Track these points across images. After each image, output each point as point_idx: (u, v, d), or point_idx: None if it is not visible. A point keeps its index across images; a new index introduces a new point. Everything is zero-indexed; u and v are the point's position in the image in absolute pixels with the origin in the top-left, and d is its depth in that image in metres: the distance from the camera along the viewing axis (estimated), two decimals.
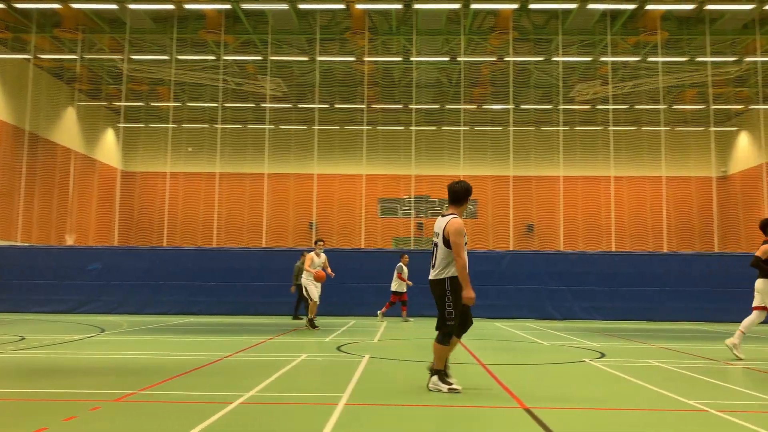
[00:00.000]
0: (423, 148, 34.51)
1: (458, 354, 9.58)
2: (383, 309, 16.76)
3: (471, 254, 19.11)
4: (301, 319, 16.60)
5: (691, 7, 22.14)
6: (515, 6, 22.37)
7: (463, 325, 6.33)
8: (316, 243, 14.02)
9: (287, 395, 5.98)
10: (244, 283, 18.77)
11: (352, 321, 16.37)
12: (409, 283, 16.68)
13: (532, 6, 22.49)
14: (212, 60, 27.74)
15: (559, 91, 30.65)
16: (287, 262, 18.94)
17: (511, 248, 29.99)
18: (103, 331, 12.83)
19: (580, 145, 35.58)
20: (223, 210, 34.37)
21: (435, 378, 6.19)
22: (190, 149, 36.20)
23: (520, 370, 8.07)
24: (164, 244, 30.29)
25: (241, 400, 5.62)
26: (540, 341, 11.77)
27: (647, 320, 17.99)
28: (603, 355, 9.41)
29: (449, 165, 34.89)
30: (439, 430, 4.80)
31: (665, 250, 29.96)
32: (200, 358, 8.61)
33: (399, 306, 16.89)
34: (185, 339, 11.61)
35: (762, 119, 32.19)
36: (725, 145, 36.74)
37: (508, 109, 30.65)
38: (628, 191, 35.73)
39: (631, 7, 22.49)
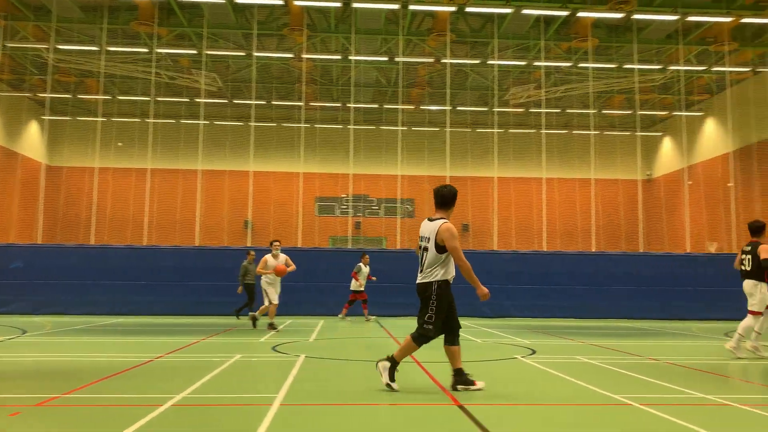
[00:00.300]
0: (361, 147, 34.54)
1: (391, 351, 9.63)
2: (344, 310, 16.73)
3: (406, 253, 19.30)
4: (240, 319, 16.32)
5: (619, 15, 23.00)
6: (453, 9, 22.68)
7: (453, 329, 6.31)
8: (271, 244, 13.46)
9: (220, 396, 5.87)
10: (177, 283, 18.30)
11: (288, 320, 16.22)
12: (373, 278, 16.84)
13: (469, 9, 22.85)
14: (144, 52, 26.91)
15: (495, 93, 31.30)
16: (222, 261, 18.62)
17: None
18: (24, 332, 12.24)
19: (514, 147, 36.44)
20: (154, 207, 33.40)
21: (386, 363, 6.17)
22: (120, 144, 35.00)
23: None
24: (92, 242, 29.16)
25: (172, 402, 5.47)
26: (473, 339, 11.98)
27: (577, 318, 18.58)
28: (534, 352, 9.66)
29: (387, 164, 35.08)
30: (373, 430, 4.81)
31: (594, 250, 31.05)
32: (129, 359, 8.33)
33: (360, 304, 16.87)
34: (114, 340, 11.22)
35: (684, 125, 33.81)
36: (650, 149, 38.39)
37: (445, 110, 31.08)
38: (559, 192, 36.83)
39: (564, 13, 23.19)
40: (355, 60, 27.54)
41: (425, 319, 6.13)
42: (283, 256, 13.21)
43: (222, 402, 5.62)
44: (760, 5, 22.58)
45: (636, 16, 23.12)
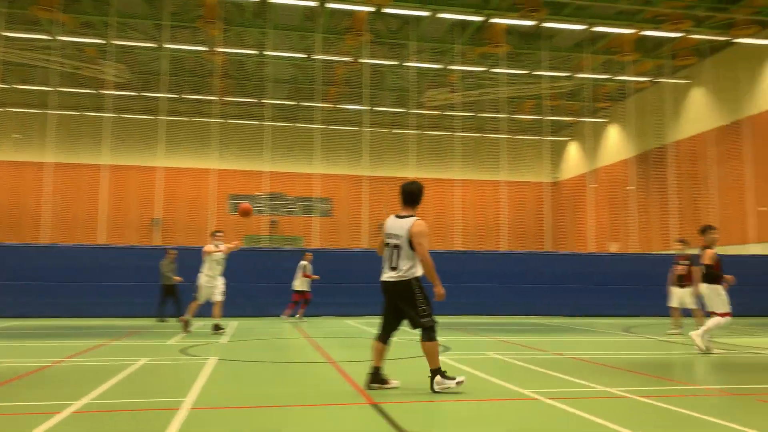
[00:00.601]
0: (277, 145, 34.08)
1: (307, 352, 9.55)
2: (287, 310, 16.39)
3: (323, 253, 19.17)
4: (166, 321, 15.67)
5: (531, 23, 23.84)
6: (371, 9, 22.76)
7: (388, 334, 6.35)
8: (214, 234, 12.48)
9: (125, 402, 5.59)
10: (79, 283, 17.33)
11: (200, 322, 15.73)
12: (316, 277, 16.48)
13: (386, 10, 23.01)
14: (46, 40, 25.38)
15: (412, 95, 31.70)
16: (129, 260, 17.83)
17: (364, 247, 30.50)
18: None
19: (430, 148, 37.04)
20: (54, 203, 31.60)
21: (438, 378, 6.00)
22: (17, 135, 32.86)
23: (369, 367, 8.19)
24: None
25: (72, 409, 5.16)
26: None
27: (490, 315, 19.09)
28: (448, 349, 9.82)
29: (304, 163, 34.80)
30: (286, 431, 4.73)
31: (504, 250, 32.03)
32: (25, 365, 7.81)
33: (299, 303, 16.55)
34: (8, 344, 10.49)
35: (589, 131, 35.49)
36: (557, 153, 40.04)
37: (363, 110, 31.16)
38: (472, 194, 37.76)
39: (479, 19, 23.78)
40: (272, 55, 27.13)
41: (420, 313, 6.11)
42: (224, 246, 12.40)
43: (127, 408, 5.35)
44: (658, 19, 24.02)
45: (546, 24, 24.03)
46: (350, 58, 27.25)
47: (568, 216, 38.32)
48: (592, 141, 35.84)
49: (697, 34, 24.72)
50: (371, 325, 15.12)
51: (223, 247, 12.26)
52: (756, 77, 25.33)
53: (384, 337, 6.35)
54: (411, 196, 6.30)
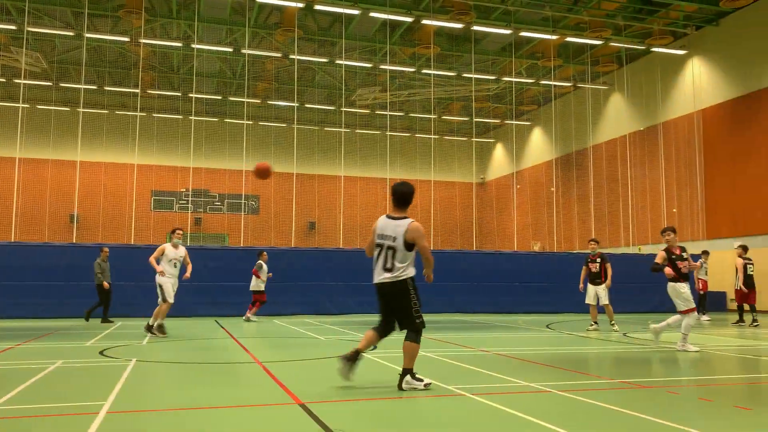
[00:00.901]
0: (203, 140, 33.26)
1: (231, 353, 9.36)
2: (251, 311, 15.99)
3: (247, 251, 18.84)
4: (112, 321, 14.93)
5: (460, 26, 24.25)
6: (300, 5, 22.54)
7: (386, 331, 6.43)
8: (174, 231, 11.90)
9: (38, 407, 5.31)
10: None
11: (119, 322, 15.15)
12: (270, 275, 16.21)
13: (317, 7, 22.86)
14: None
15: (342, 93, 31.62)
16: (43, 258, 16.97)
17: (293, 245, 30.21)
18: None
19: (360, 147, 37.08)
20: None
21: (408, 377, 6.11)
22: None
23: (297, 367, 8.12)
24: None
25: None
26: (317, 336, 11.98)
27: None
28: (375, 347, 9.85)
29: (231, 159, 34.09)
30: None
31: (432, 249, 32.47)
32: None
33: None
34: None
35: (514, 133, 36.45)
36: (484, 154, 40.93)
37: (293, 106, 30.84)
38: None
39: (409, 20, 23.97)
40: (198, 48, 26.44)
41: (414, 314, 6.19)
42: (183, 250, 11.84)
43: (40, 413, 5.08)
44: (581, 27, 24.95)
45: (474, 28, 24.51)
46: (280, 54, 26.91)
47: (494, 215, 39.26)
48: (517, 143, 36.85)
49: (616, 43, 25.84)
50: (302, 325, 14.99)
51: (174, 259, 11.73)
52: (670, 85, 26.71)
53: (381, 332, 6.44)
54: (403, 197, 6.36)
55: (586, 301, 13.76)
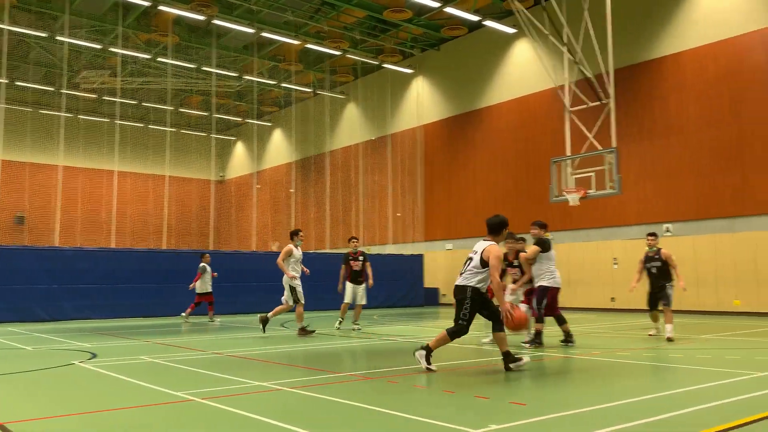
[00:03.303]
0: None
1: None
2: (188, 310, 15.80)
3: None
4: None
5: (201, 17, 23.41)
6: None
7: (495, 318, 7.23)
8: (297, 234, 12.26)
9: None
10: None
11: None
12: (215, 274, 16.15)
13: None
14: None
15: (64, 73, 28.39)
16: None
17: None
18: None
19: (84, 135, 33.67)
20: None
21: (422, 351, 7.18)
22: None
23: None
24: None
25: None
26: (23, 346, 10.55)
27: (148, 316, 18.06)
28: (95, 356, 9.00)
29: None
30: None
31: (165, 247, 30.86)
32: None
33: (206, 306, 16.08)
34: None
35: (255, 133, 36.45)
36: (224, 152, 40.23)
37: (0, 83, 26.78)
38: (132, 187, 35.56)
39: (146, 3, 22.43)
40: None
41: (460, 316, 7.14)
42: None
43: None
44: (321, 35, 25.89)
45: (216, 22, 23.89)
46: None
47: (233, 215, 38.74)
48: (258, 143, 36.88)
49: (353, 55, 27.35)
50: (5, 334, 13.04)
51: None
52: (399, 99, 29.13)
53: (497, 327, 7.24)
54: (493, 227, 7.48)
55: (346, 300, 13.26)
